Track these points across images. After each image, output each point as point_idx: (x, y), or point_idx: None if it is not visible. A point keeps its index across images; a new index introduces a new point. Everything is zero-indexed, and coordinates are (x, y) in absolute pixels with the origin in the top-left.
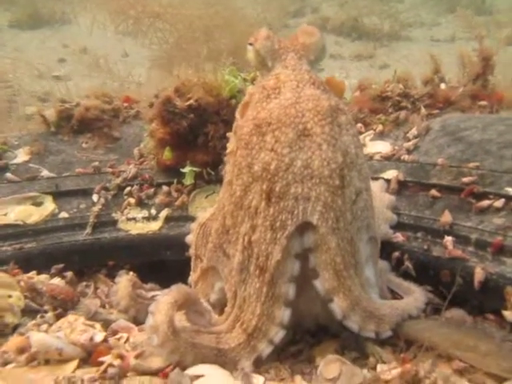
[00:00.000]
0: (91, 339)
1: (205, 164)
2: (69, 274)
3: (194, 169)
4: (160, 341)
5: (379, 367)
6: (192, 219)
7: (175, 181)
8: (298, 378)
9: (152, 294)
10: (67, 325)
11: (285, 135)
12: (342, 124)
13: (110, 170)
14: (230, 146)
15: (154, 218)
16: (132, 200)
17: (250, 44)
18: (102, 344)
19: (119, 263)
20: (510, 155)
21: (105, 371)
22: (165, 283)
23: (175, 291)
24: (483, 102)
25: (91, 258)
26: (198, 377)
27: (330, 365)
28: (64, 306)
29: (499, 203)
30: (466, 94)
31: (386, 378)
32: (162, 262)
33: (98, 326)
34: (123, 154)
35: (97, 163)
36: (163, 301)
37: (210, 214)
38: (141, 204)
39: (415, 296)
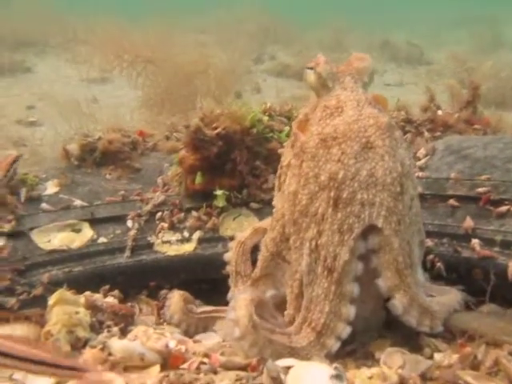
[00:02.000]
0: (167, 346)
1: (232, 188)
2: (116, 292)
3: (226, 192)
4: (241, 333)
5: (436, 356)
6: (223, 240)
7: (204, 205)
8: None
9: (201, 309)
10: (142, 333)
11: (350, 148)
12: (397, 138)
13: (138, 197)
14: (286, 159)
15: (188, 240)
16: (165, 224)
17: (311, 68)
18: (177, 350)
19: (159, 283)
20: None
21: (197, 368)
22: (205, 300)
23: (251, 290)
24: (477, 126)
25: (133, 279)
26: (288, 368)
27: (392, 356)
28: (125, 321)
29: None
30: (461, 119)
31: (450, 363)
32: (200, 281)
33: (168, 333)
34: (146, 183)
35: (123, 192)
36: (242, 297)
37: (249, 233)
38: (173, 228)
39: (454, 293)
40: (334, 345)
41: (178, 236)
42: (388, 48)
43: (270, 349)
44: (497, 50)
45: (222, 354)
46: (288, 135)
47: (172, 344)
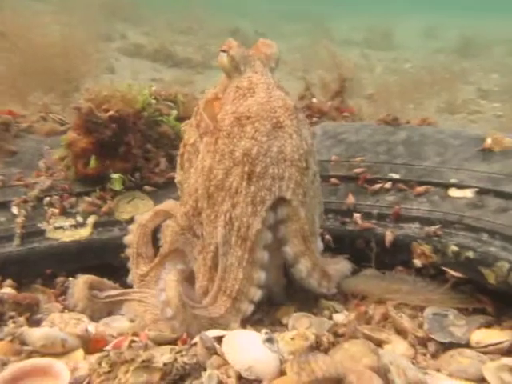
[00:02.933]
0: (86, 330)
1: (125, 171)
2: (8, 282)
3: (122, 175)
4: (173, 313)
5: (335, 316)
6: (119, 223)
7: (97, 189)
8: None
9: (106, 294)
10: (59, 320)
11: (263, 126)
12: (301, 119)
13: (21, 182)
14: (191, 138)
15: (82, 225)
16: (55, 210)
17: (224, 51)
18: (98, 333)
19: (55, 271)
20: (383, 150)
21: (130, 346)
22: None
23: (176, 270)
24: (346, 113)
25: (27, 268)
26: (220, 338)
27: (298, 320)
28: (31, 310)
29: (388, 185)
30: (333, 107)
31: (349, 320)
32: (98, 265)
33: (85, 318)
34: (26, 167)
35: (0, 177)
36: (170, 279)
37: (150, 215)
38: (65, 213)
39: (344, 262)
40: (248, 308)
41: (71, 221)
42: (238, 36)
43: (195, 324)
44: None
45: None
46: (176, 119)
47: (91, 328)
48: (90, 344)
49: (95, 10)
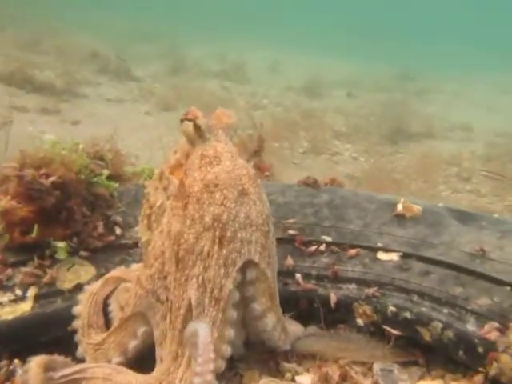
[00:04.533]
0: None
1: (65, 238)
2: None
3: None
4: None
5: (297, 379)
6: (61, 294)
7: (35, 258)
8: None
9: (59, 374)
10: None
11: (231, 193)
12: (259, 185)
13: None
14: (158, 200)
15: (22, 298)
16: None
17: (189, 120)
18: None
19: None
20: (310, 213)
21: None
22: None
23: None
24: (267, 173)
25: None
26: None
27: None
28: None
29: (322, 247)
30: (255, 166)
31: (314, 382)
32: (44, 342)
33: None
34: None
35: None
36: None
37: (100, 284)
38: (2, 287)
39: (295, 324)
40: (222, 366)
41: (9, 296)
42: (99, 59)
43: None
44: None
45: None
46: (108, 178)
47: None
48: None
49: None
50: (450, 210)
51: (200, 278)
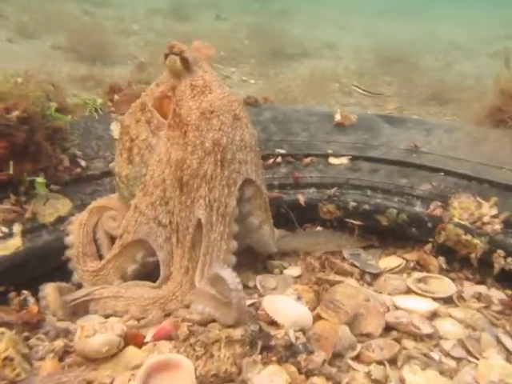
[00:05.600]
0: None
1: (35, 172)
2: None
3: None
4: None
5: (286, 272)
6: (45, 227)
7: (11, 195)
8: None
9: (70, 297)
10: (99, 326)
11: (227, 119)
12: (246, 111)
13: None
14: (142, 133)
15: (10, 235)
16: None
17: (174, 53)
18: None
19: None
20: (259, 129)
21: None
22: None
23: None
24: None
25: None
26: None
27: (265, 280)
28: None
29: (279, 159)
30: None
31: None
32: (42, 273)
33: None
34: None
35: None
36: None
37: (87, 214)
38: None
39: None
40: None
41: None
42: None
43: None
44: None
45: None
46: (56, 111)
47: (124, 327)
48: (130, 340)
49: None
50: (379, 116)
51: (207, 199)
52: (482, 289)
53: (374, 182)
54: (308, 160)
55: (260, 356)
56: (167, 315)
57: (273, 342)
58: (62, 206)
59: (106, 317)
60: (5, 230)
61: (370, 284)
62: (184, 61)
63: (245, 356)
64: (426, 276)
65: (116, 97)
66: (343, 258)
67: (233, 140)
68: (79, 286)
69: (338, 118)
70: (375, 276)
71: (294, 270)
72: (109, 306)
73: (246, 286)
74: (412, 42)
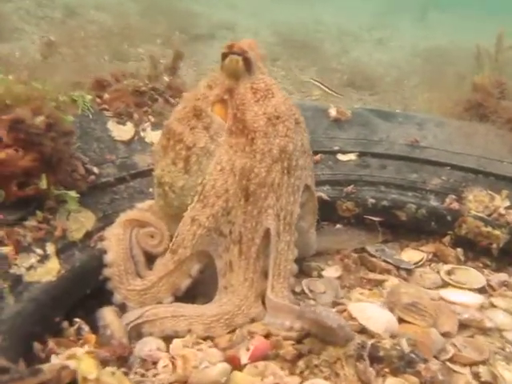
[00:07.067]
0: None
1: (56, 184)
2: None
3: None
4: None
5: (324, 273)
6: (75, 244)
7: (37, 212)
8: None
9: (125, 321)
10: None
11: (291, 124)
12: None
13: None
14: (200, 140)
15: (45, 257)
16: (10, 248)
17: (236, 53)
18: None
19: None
20: None
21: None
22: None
23: None
24: None
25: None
26: None
27: (312, 284)
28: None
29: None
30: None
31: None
32: (86, 296)
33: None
34: None
35: None
36: None
37: (121, 228)
38: (22, 249)
39: None
40: (295, 283)
41: (35, 257)
42: None
43: None
44: None
45: None
46: None
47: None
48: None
49: None
50: (369, 111)
51: (275, 208)
52: (503, 276)
53: (385, 177)
54: (318, 157)
55: (371, 369)
56: (232, 331)
57: (381, 353)
58: (86, 219)
59: (164, 338)
60: (39, 251)
61: (406, 280)
62: (247, 61)
63: (365, 371)
64: (453, 268)
65: (106, 95)
66: (370, 255)
67: (296, 146)
68: (121, 308)
69: (333, 113)
70: (409, 272)
71: (331, 271)
72: (167, 327)
73: (293, 292)
74: (305, 26)
